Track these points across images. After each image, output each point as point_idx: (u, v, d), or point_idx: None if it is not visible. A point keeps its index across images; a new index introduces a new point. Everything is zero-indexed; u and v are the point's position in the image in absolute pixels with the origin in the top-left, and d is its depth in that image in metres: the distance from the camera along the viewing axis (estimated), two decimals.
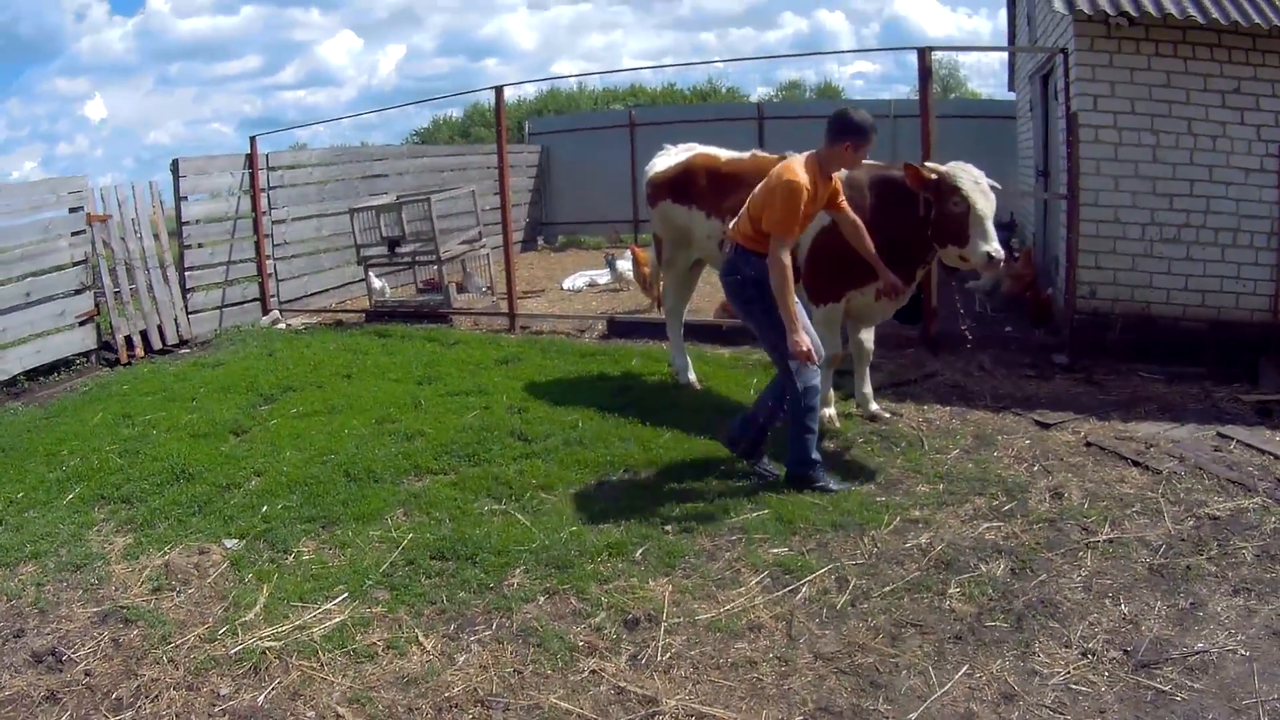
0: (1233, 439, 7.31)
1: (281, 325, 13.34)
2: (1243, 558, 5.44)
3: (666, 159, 8.96)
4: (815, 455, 6.53)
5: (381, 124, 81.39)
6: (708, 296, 11.56)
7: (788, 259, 6.06)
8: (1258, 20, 8.96)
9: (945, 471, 6.85)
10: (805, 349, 6.09)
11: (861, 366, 7.98)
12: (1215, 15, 8.97)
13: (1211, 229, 9.49)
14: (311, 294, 14.85)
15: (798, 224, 6.15)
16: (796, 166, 6.14)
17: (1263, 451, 7.05)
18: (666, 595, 5.14)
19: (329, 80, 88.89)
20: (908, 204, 6.93)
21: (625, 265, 14.96)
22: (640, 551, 5.62)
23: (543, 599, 5.14)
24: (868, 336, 7.95)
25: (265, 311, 13.81)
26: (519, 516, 6.13)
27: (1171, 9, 9.03)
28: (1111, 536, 5.78)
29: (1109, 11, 9.02)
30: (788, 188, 6.03)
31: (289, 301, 14.27)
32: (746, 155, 8.51)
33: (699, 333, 10.68)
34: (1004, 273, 11.54)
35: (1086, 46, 9.48)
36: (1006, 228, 17.20)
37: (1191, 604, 5.00)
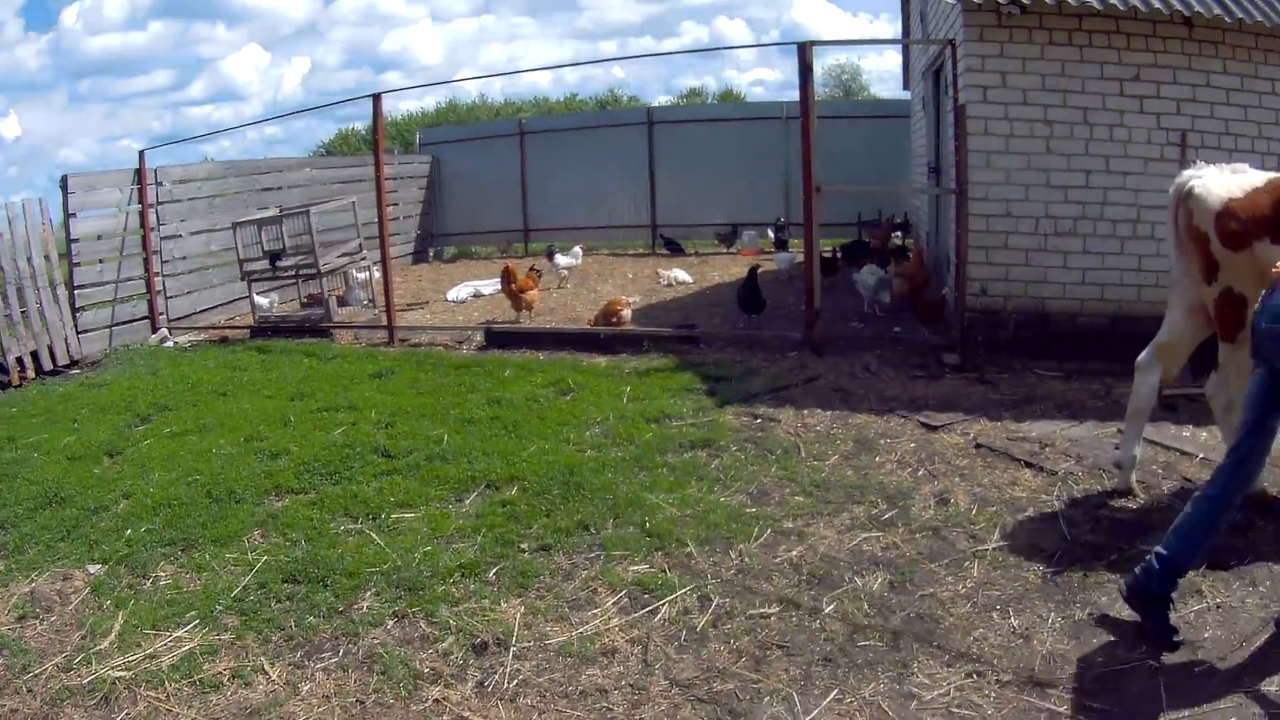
0: None
1: (170, 343, 12.86)
2: None
3: (1226, 179, 5.81)
4: None
5: (289, 138, 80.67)
6: (590, 304, 10.98)
7: None
8: (1158, 5, 8.63)
9: (822, 479, 6.33)
10: None
11: None
12: (1113, 1, 8.61)
13: (1110, 221, 9.11)
14: (201, 310, 14.43)
15: None
16: None
17: (1167, 448, 6.69)
18: (518, 618, 4.84)
19: (235, 95, 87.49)
20: None
21: (567, 260, 14.80)
22: (494, 571, 5.31)
23: (391, 623, 4.89)
24: None
25: (154, 329, 13.34)
26: (374, 536, 5.81)
27: None
28: (1001, 544, 5.31)
29: (1000, 0, 8.58)
30: None
31: (179, 319, 13.79)
32: None
33: (575, 341, 10.36)
34: (894, 272, 11.09)
35: (976, 37, 9.03)
36: (900, 228, 16.92)
37: (1090, 615, 4.56)
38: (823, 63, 46.57)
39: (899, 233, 17.04)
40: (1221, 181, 5.58)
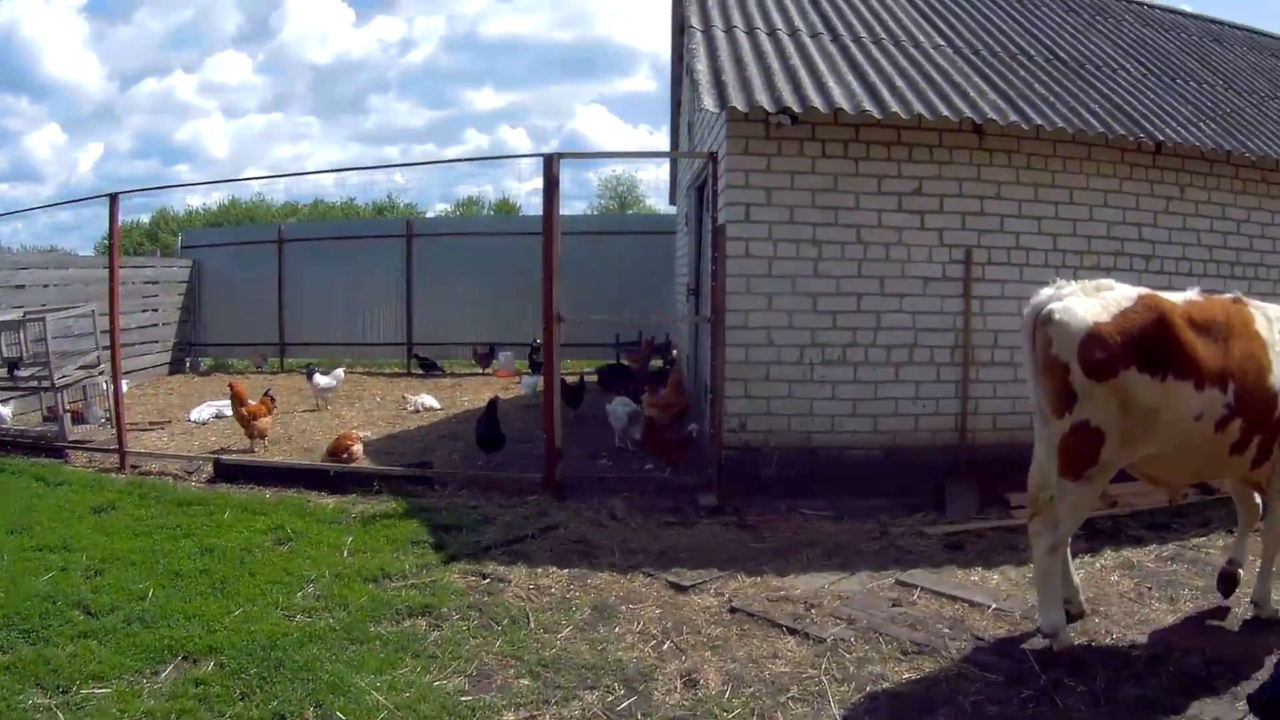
0: (916, 586, 6.26)
1: None
2: None
3: (1089, 300, 5.32)
4: None
5: (77, 225, 76.75)
6: (333, 430, 9.90)
7: None
8: (945, 112, 8.24)
9: (553, 657, 5.25)
10: None
11: None
12: (895, 109, 8.16)
13: (883, 347, 8.55)
14: None
15: None
16: None
17: (954, 599, 6.01)
18: None
19: (32, 175, 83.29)
20: None
21: (327, 381, 13.54)
22: None
23: None
24: None
25: None
26: (61, 717, 4.72)
27: (843, 103, 8.14)
28: None
29: (768, 109, 7.99)
30: None
31: None
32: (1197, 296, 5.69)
33: (306, 478, 9.25)
34: (649, 403, 10.24)
35: (740, 150, 8.41)
36: (660, 350, 16.16)
37: None
38: (599, 174, 46.82)
39: (660, 355, 16.33)
40: (1085, 304, 5.14)
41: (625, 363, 15.04)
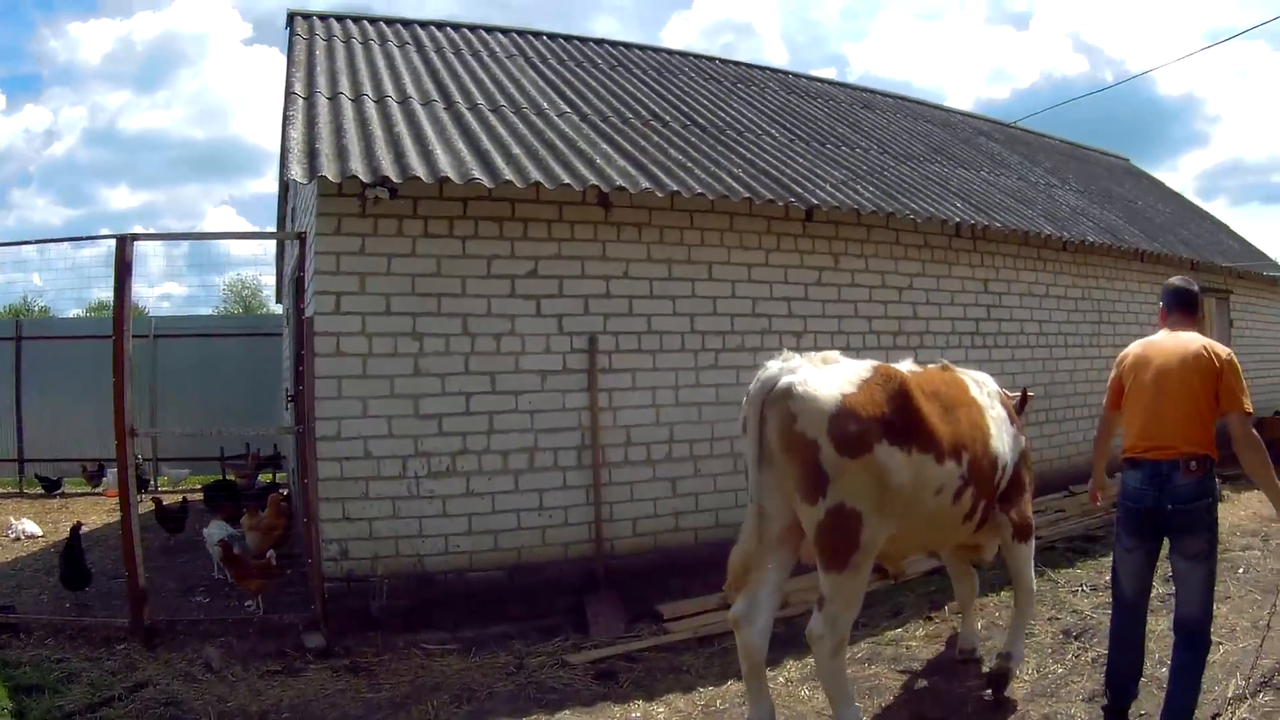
0: None
1: None
2: None
3: (826, 372, 4.87)
4: None
5: None
6: None
7: None
8: (568, 180, 7.36)
9: None
10: None
11: None
12: (509, 177, 7.17)
13: (498, 453, 7.42)
14: None
15: None
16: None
17: None
18: None
19: None
20: None
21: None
22: None
23: None
24: None
25: None
26: None
27: (450, 172, 7.07)
28: None
29: (364, 179, 6.80)
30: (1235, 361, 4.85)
31: None
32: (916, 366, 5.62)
33: None
34: (248, 525, 8.79)
35: (331, 229, 7.13)
36: (269, 462, 14.57)
37: None
38: (225, 278, 45.75)
39: (272, 468, 14.66)
40: (826, 377, 4.73)
41: (233, 479, 13.28)
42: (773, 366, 4.79)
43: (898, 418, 4.77)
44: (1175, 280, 5.36)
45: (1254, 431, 4.77)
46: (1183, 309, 5.20)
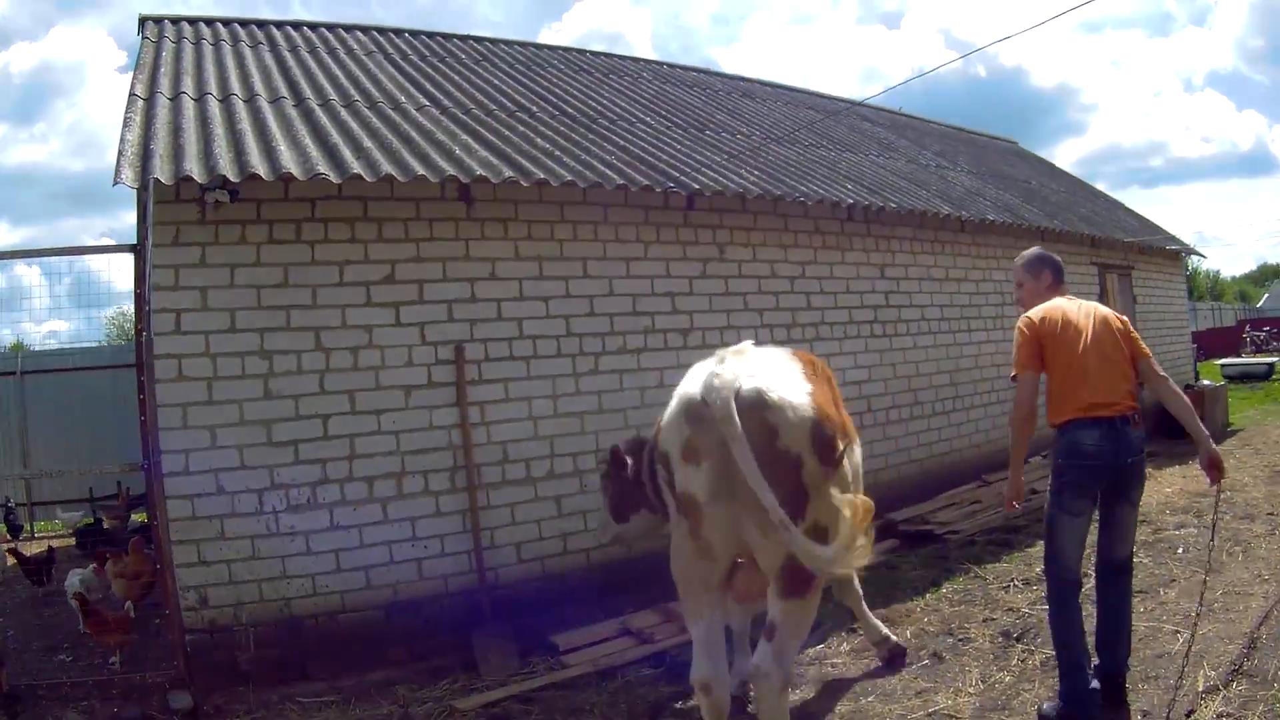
0: None
1: None
2: None
3: (778, 372, 4.24)
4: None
5: None
6: None
7: None
8: (423, 172, 6.72)
9: None
10: None
11: None
12: (357, 170, 6.50)
13: (362, 479, 6.71)
14: None
15: None
16: None
17: None
18: None
19: None
20: None
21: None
22: None
23: None
24: None
25: None
26: None
27: (293, 168, 6.35)
28: None
29: (200, 180, 6.05)
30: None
31: None
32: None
33: None
34: (113, 572, 7.95)
35: (168, 239, 6.34)
36: (140, 502, 13.40)
37: None
38: (105, 312, 44.70)
39: (144, 508, 13.21)
40: (781, 376, 4.11)
41: (105, 522, 12.25)
42: (709, 365, 4.11)
43: (837, 412, 4.38)
44: (1042, 251, 5.56)
45: None
46: (1061, 277, 5.37)
